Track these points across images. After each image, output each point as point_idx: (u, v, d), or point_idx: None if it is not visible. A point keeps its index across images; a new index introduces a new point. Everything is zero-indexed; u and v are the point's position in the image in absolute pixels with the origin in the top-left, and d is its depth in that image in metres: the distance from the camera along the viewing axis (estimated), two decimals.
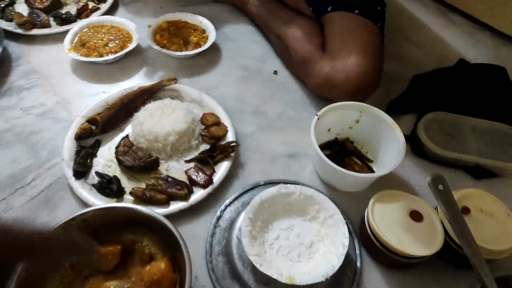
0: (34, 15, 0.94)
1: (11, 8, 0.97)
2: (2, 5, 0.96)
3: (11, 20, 0.93)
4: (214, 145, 0.72)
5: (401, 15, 1.10)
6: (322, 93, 0.79)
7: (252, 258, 0.52)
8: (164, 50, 0.86)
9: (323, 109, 0.68)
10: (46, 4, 0.97)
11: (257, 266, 0.51)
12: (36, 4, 0.97)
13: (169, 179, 0.66)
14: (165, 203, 0.63)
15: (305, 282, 0.50)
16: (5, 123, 0.76)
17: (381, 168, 0.69)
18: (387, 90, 0.84)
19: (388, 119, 0.68)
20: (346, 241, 0.54)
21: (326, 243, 0.56)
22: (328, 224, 0.57)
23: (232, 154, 0.71)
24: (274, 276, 0.50)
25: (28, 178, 0.67)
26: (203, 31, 0.93)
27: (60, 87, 0.83)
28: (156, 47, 0.86)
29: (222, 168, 0.69)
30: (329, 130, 0.73)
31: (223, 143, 0.72)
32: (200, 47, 0.88)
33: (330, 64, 0.75)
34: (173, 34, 0.91)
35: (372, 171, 0.70)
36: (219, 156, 0.70)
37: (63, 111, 0.78)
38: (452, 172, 0.74)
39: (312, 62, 0.79)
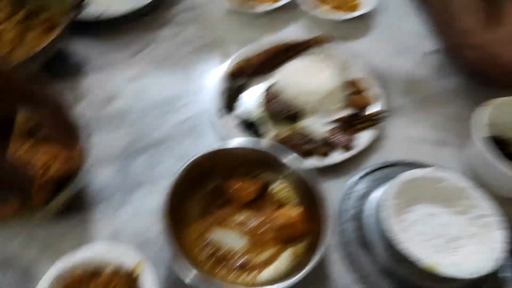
0: None
1: None
2: None
3: None
4: (359, 112, 0.69)
5: None
6: (481, 72, 0.66)
7: (394, 233, 0.49)
8: (315, 10, 0.84)
9: (494, 100, 0.61)
10: None
11: (398, 243, 0.48)
12: None
13: (308, 135, 0.65)
14: (302, 155, 0.62)
15: (451, 274, 0.45)
16: (167, 49, 0.81)
17: None
18: None
19: None
20: (505, 247, 0.48)
21: (475, 242, 0.50)
22: (481, 223, 0.51)
23: (376, 126, 0.67)
24: (414, 258, 0.47)
25: (178, 104, 0.72)
26: None
27: (216, 27, 0.86)
28: (308, 5, 0.84)
29: (363, 137, 0.66)
30: (493, 124, 0.64)
31: (368, 112, 0.69)
32: (354, 11, 0.84)
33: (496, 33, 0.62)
34: None
35: None
36: (363, 124, 0.67)
37: (218, 49, 0.81)
38: None
39: (473, 32, 0.65)
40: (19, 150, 0.51)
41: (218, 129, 0.67)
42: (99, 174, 0.62)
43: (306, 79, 0.71)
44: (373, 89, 0.72)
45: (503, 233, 0.49)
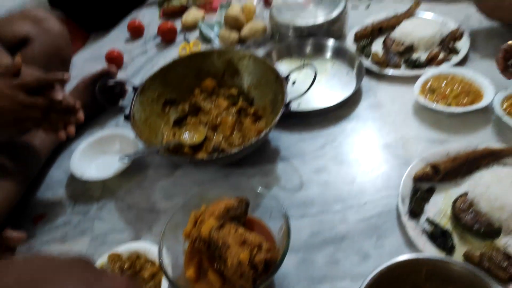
0: (389, 56, 1.05)
1: (369, 47, 1.12)
2: (363, 44, 1.12)
3: (368, 57, 1.07)
4: None
5: None
6: None
7: None
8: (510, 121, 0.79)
9: None
10: (401, 48, 1.07)
11: None
12: (393, 46, 1.08)
13: (510, 257, 0.60)
14: (504, 281, 0.57)
15: None
16: (350, 144, 0.87)
17: None
18: None
19: None
20: None
21: None
22: None
23: None
24: None
25: (362, 199, 0.75)
26: None
27: (400, 124, 0.89)
28: (503, 115, 0.80)
29: None
30: None
31: None
32: None
33: None
34: None
35: None
36: None
37: (401, 148, 0.83)
38: None
39: None
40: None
41: (403, 233, 0.67)
42: (284, 262, 0.68)
43: (504, 192, 0.66)
44: None
45: None
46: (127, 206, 0.83)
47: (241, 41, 1.23)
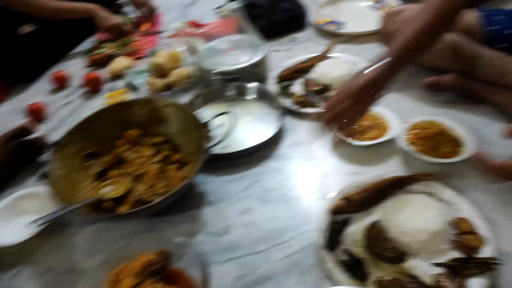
0: (308, 96, 1.12)
1: (290, 88, 1.18)
2: (285, 85, 1.19)
3: (290, 97, 1.14)
4: (469, 256, 0.67)
5: None
6: None
7: None
8: (413, 151, 0.87)
9: None
10: (318, 88, 1.14)
11: None
12: (311, 86, 1.16)
13: (417, 280, 0.64)
14: None
15: None
16: (273, 183, 0.90)
17: None
18: None
19: None
20: None
21: None
22: None
23: (490, 273, 0.64)
24: None
25: (285, 237, 0.78)
26: (459, 144, 0.88)
27: (320, 160, 0.94)
28: (406, 146, 0.88)
29: (474, 284, 0.63)
30: None
31: (479, 256, 0.66)
32: (449, 157, 0.85)
33: None
34: (426, 137, 0.90)
35: None
36: (473, 270, 0.65)
37: (320, 183, 0.88)
38: None
39: None
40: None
41: (323, 267, 0.70)
42: None
43: (410, 218, 0.72)
44: (482, 230, 0.70)
45: None
46: (45, 270, 0.79)
47: (168, 88, 1.25)
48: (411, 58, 0.76)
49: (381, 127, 0.96)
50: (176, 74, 1.26)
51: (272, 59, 1.27)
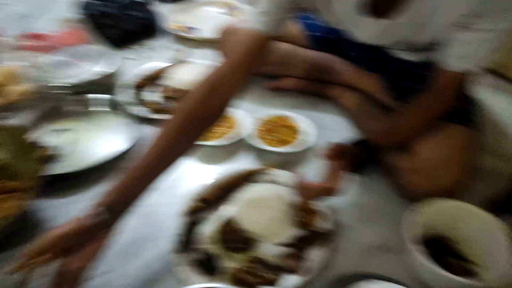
0: (165, 102, 1.12)
1: (143, 96, 1.15)
2: (139, 94, 1.15)
3: (145, 106, 1.11)
4: (309, 232, 0.74)
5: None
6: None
7: None
8: (261, 144, 0.94)
9: (418, 204, 0.70)
10: (173, 93, 1.14)
11: None
12: (166, 93, 1.15)
13: (264, 262, 0.69)
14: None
15: None
16: None
17: (490, 275, 0.65)
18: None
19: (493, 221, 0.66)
20: None
21: None
22: None
23: (326, 242, 0.71)
24: None
25: (142, 249, 0.76)
26: (303, 134, 0.98)
27: (177, 166, 0.93)
28: (255, 140, 0.95)
29: (315, 256, 0.71)
30: (427, 226, 0.70)
31: (318, 230, 0.74)
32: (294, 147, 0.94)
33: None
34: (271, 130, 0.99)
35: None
36: (313, 243, 0.72)
37: (179, 188, 0.88)
38: None
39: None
40: None
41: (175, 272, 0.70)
42: None
43: (255, 207, 0.77)
44: (322, 207, 0.77)
45: None
46: None
47: (4, 109, 1.11)
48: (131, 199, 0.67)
49: (230, 125, 1.00)
50: (13, 92, 1.12)
51: (124, 68, 1.22)
